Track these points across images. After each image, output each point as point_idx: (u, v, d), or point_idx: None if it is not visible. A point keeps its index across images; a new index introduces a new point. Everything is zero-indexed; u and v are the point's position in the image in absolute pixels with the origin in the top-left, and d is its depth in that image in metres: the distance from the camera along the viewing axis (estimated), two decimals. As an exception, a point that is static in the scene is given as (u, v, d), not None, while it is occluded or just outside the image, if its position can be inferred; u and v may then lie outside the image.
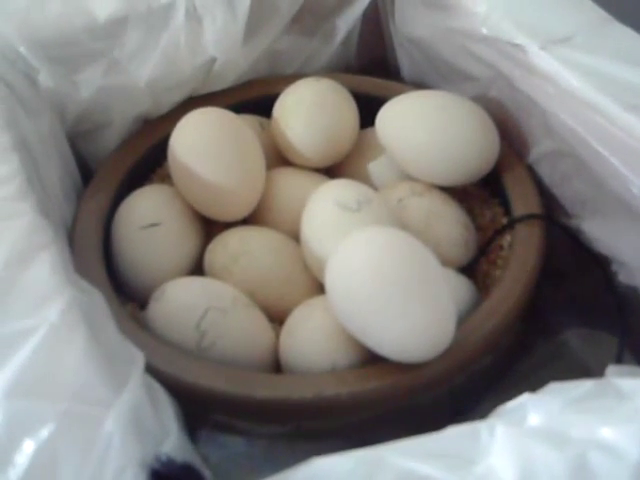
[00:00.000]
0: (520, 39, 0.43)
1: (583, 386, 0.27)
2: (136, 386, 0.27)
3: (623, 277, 0.40)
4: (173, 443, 0.26)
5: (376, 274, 0.34)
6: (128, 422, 0.25)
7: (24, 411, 0.25)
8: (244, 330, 0.38)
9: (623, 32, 0.42)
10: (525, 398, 0.27)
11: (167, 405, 0.29)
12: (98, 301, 0.31)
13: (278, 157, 0.48)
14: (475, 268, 0.44)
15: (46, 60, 0.43)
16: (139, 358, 0.29)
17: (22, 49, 0.42)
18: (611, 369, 0.30)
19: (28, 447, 0.24)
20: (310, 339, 0.37)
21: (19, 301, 0.29)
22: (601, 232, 0.41)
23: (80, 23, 0.44)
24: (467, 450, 0.25)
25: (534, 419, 0.26)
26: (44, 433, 0.25)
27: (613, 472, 0.23)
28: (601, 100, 0.39)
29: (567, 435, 0.24)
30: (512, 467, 0.24)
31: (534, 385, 0.28)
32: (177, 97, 0.49)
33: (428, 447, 0.25)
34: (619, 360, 0.39)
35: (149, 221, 0.42)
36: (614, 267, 0.41)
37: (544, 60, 0.42)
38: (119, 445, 0.25)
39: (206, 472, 0.27)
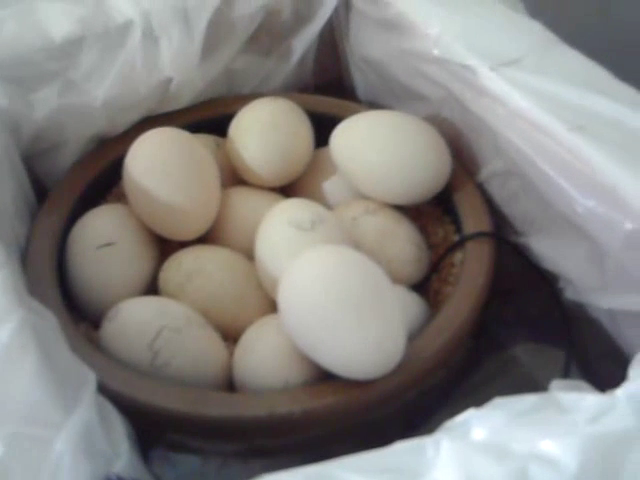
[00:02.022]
0: (471, 61, 0.44)
1: (526, 400, 0.28)
2: (87, 407, 0.27)
3: (569, 293, 0.41)
4: (124, 463, 0.26)
5: (328, 292, 0.35)
6: (79, 442, 0.26)
7: (-27, 433, 0.25)
8: (198, 349, 0.38)
9: (570, 54, 0.43)
10: (470, 413, 0.28)
11: (119, 425, 0.29)
12: (50, 322, 0.31)
13: (233, 176, 0.49)
14: (427, 285, 0.45)
15: (1, 80, 0.43)
16: (91, 379, 0.30)
17: (-24, 69, 0.42)
18: (555, 383, 0.31)
19: (-23, 469, 0.25)
20: (263, 357, 0.38)
21: (-31, 323, 0.29)
22: (548, 250, 0.42)
23: (36, 43, 0.44)
24: (413, 465, 0.25)
25: (478, 433, 0.26)
26: (-6, 455, 0.25)
27: (552, 484, 0.24)
28: (548, 121, 0.40)
29: (509, 448, 0.25)
30: (456, 480, 0.24)
31: (484, 399, 0.28)
32: (133, 117, 0.49)
33: (376, 462, 0.25)
34: (566, 374, 0.40)
35: (104, 241, 0.42)
36: (561, 284, 0.42)
37: (494, 81, 0.43)
38: (70, 465, 0.25)
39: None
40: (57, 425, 0.26)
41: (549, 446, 0.25)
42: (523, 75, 0.42)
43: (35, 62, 0.44)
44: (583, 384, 0.32)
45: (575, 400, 0.27)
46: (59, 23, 0.45)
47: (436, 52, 0.46)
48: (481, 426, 0.26)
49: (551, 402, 0.28)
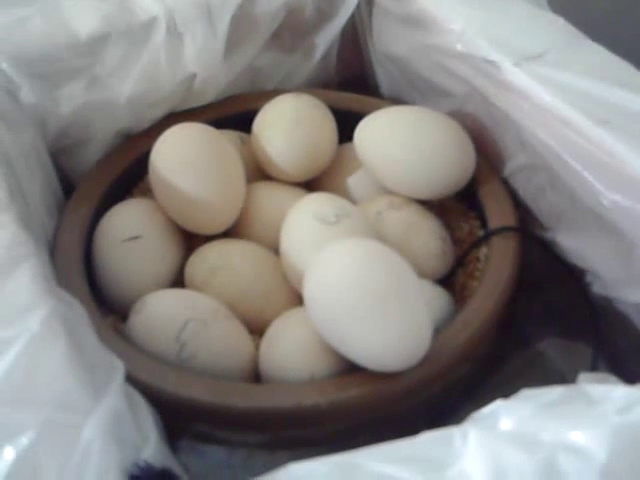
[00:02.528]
0: (494, 56, 0.44)
1: (554, 392, 0.28)
2: (116, 394, 0.28)
3: (596, 288, 0.41)
4: (152, 449, 0.26)
5: (354, 285, 0.35)
6: (108, 429, 0.26)
7: (5, 418, 0.26)
8: (224, 341, 0.38)
9: (594, 49, 0.43)
10: (497, 404, 0.27)
11: (147, 413, 0.29)
12: (78, 311, 0.32)
13: (258, 172, 0.49)
14: (452, 280, 0.45)
15: (28, 76, 0.43)
16: (119, 367, 0.30)
17: (4, 65, 0.43)
18: (583, 376, 0.31)
19: (9, 454, 0.25)
20: (289, 350, 0.38)
21: (0, 311, 0.29)
22: (575, 244, 0.42)
23: (62, 40, 0.44)
24: (440, 454, 0.25)
25: (506, 424, 0.26)
26: (25, 440, 0.25)
27: (581, 473, 0.24)
28: (573, 115, 0.40)
29: (537, 439, 0.25)
30: (484, 470, 0.24)
31: (509, 394, 0.28)
32: (158, 113, 0.49)
33: (402, 452, 0.26)
34: (594, 369, 0.40)
35: (130, 234, 0.43)
36: (588, 278, 0.42)
37: (518, 76, 0.43)
38: (99, 451, 0.25)
39: (185, 478, 0.27)
40: (87, 411, 0.26)
41: (578, 436, 0.25)
42: (547, 70, 0.42)
43: (61, 59, 0.45)
44: (611, 377, 0.32)
45: (603, 392, 0.27)
46: (85, 20, 0.45)
47: (459, 47, 0.46)
48: (509, 417, 0.26)
49: (579, 394, 0.27)
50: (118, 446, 0.25)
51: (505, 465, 0.24)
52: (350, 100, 0.53)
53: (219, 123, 0.48)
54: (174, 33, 0.47)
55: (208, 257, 0.42)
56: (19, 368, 0.27)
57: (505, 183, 0.46)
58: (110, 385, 0.28)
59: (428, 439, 0.26)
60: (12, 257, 0.32)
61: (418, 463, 0.25)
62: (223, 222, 0.44)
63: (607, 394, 0.27)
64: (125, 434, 0.26)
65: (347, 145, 0.49)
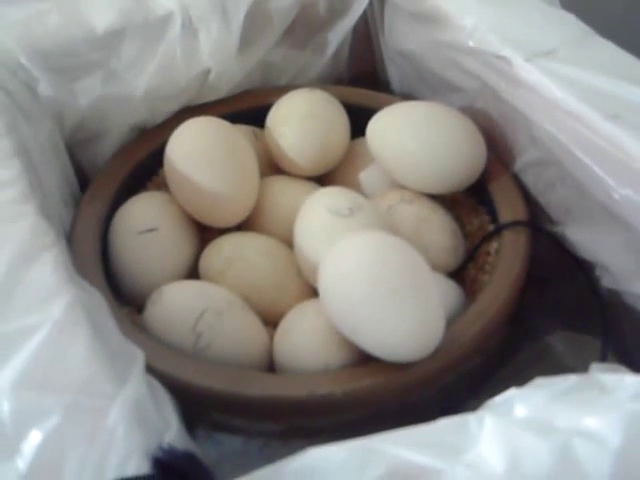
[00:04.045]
0: (506, 52, 0.44)
1: (568, 381, 0.28)
2: (138, 380, 0.28)
3: (606, 281, 0.42)
4: (174, 434, 0.27)
5: (368, 277, 0.35)
6: (131, 414, 0.26)
7: (31, 403, 0.26)
8: (239, 332, 0.39)
9: (604, 45, 0.44)
10: (512, 392, 0.28)
11: (167, 400, 0.30)
12: (99, 300, 0.32)
13: (271, 166, 0.49)
14: (463, 274, 0.45)
15: (46, 70, 0.44)
16: (139, 355, 0.30)
17: (22, 59, 0.43)
18: (595, 366, 0.31)
19: (35, 437, 0.25)
20: (303, 340, 0.38)
21: (24, 299, 0.30)
22: (584, 238, 0.42)
23: (79, 34, 0.45)
24: (457, 440, 0.25)
25: (521, 411, 0.27)
26: (50, 424, 0.25)
27: (596, 458, 0.24)
28: (584, 110, 0.40)
29: (552, 425, 0.25)
30: (500, 455, 0.24)
31: (520, 386, 0.29)
32: (173, 107, 0.50)
33: (420, 437, 0.26)
34: (603, 362, 0.40)
35: (146, 227, 0.43)
36: (597, 272, 0.42)
37: (529, 72, 0.43)
38: (123, 435, 0.26)
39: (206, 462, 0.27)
40: (110, 396, 0.27)
41: (592, 422, 0.25)
42: (558, 65, 0.42)
43: (78, 53, 0.45)
44: (622, 367, 0.32)
45: (616, 380, 0.27)
46: (101, 15, 0.46)
47: (471, 43, 0.46)
48: (523, 404, 0.27)
49: (592, 382, 0.28)
50: (141, 430, 0.26)
51: (521, 450, 0.25)
52: (362, 96, 0.53)
53: (233, 117, 0.49)
54: (189, 28, 0.47)
55: (223, 249, 0.43)
56: (43, 354, 0.28)
57: (515, 178, 0.47)
58: (132, 372, 0.28)
59: (445, 425, 0.26)
60: (34, 246, 0.32)
61: (435, 448, 0.25)
62: (237, 215, 0.45)
63: (619, 382, 0.27)
64: (148, 419, 0.27)
65: (359, 140, 0.50)
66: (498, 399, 0.28)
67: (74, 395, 0.26)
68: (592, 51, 0.44)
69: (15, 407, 0.26)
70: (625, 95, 0.40)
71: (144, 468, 0.25)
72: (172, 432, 0.27)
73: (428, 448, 0.25)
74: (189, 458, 0.26)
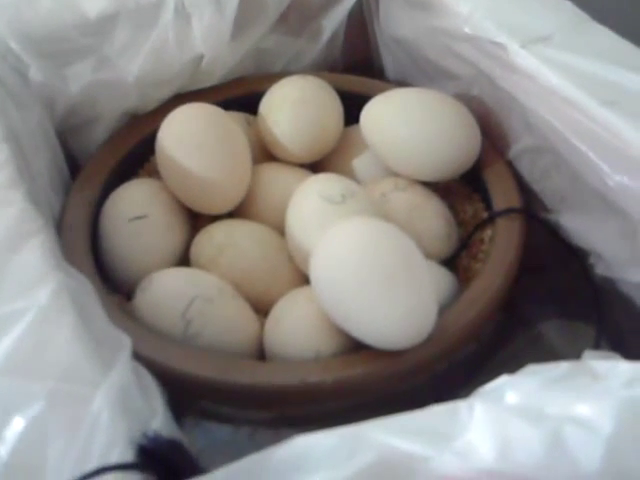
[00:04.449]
0: (501, 38, 0.44)
1: (559, 367, 0.28)
2: (123, 367, 0.28)
3: (600, 269, 0.41)
4: (160, 421, 0.27)
5: (360, 263, 0.35)
6: (116, 401, 0.26)
7: (14, 389, 0.26)
8: (229, 319, 0.39)
9: (600, 31, 0.43)
10: (503, 379, 0.28)
11: (153, 387, 0.29)
12: (86, 286, 0.32)
13: (264, 153, 0.49)
14: (457, 262, 0.45)
15: (36, 55, 0.44)
16: (126, 342, 0.30)
17: (13, 44, 0.43)
18: (587, 354, 0.31)
19: (18, 423, 0.25)
20: (294, 328, 0.38)
21: (10, 284, 0.29)
22: (579, 225, 0.42)
23: (70, 19, 0.45)
24: (447, 427, 0.25)
25: (512, 398, 0.26)
26: (34, 410, 0.25)
27: (587, 445, 0.24)
28: (579, 96, 0.40)
29: (543, 411, 0.25)
30: (490, 442, 0.24)
31: (512, 372, 0.29)
32: (165, 93, 0.50)
33: (409, 424, 0.26)
34: (596, 349, 0.40)
35: (136, 213, 0.43)
36: (591, 259, 0.42)
37: (524, 58, 0.43)
38: (107, 422, 0.25)
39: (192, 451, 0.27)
40: (95, 383, 0.26)
41: (584, 409, 0.25)
42: (554, 52, 0.42)
43: (69, 38, 0.45)
44: (615, 355, 0.32)
45: (609, 367, 0.27)
46: (93, 0, 0.46)
47: (467, 30, 0.46)
48: (515, 391, 0.27)
49: (584, 369, 0.28)
50: (126, 418, 0.26)
51: (511, 437, 0.24)
52: (356, 82, 0.53)
53: (226, 104, 0.48)
54: (182, 13, 0.47)
55: (214, 236, 0.42)
56: (28, 340, 0.27)
57: (510, 165, 0.46)
58: (118, 358, 0.28)
59: (434, 412, 0.26)
60: (21, 232, 0.32)
61: (425, 435, 0.25)
62: (229, 202, 0.44)
63: (612, 369, 0.27)
64: (133, 406, 0.27)
65: (353, 127, 0.49)
66: (489, 386, 0.28)
67: (58, 382, 0.26)
68: (588, 37, 0.43)
69: (-2, 393, 0.26)
70: (621, 82, 0.40)
71: (128, 456, 0.24)
72: (158, 419, 0.27)
73: (417, 435, 0.25)
74: (174, 446, 0.25)
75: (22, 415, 0.25)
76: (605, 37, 0.43)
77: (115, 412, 0.26)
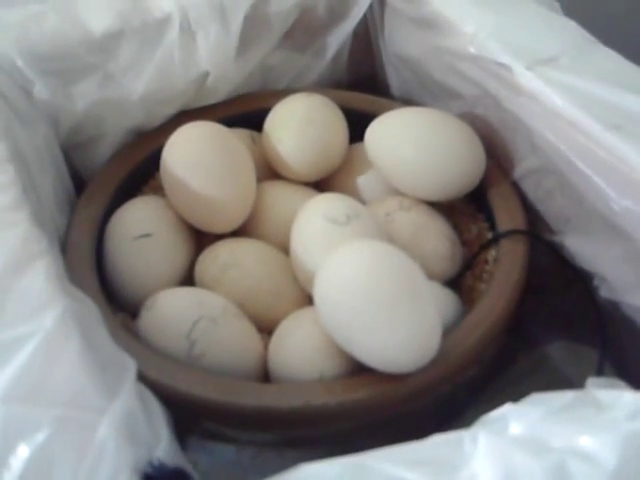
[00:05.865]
0: (506, 59, 0.44)
1: (563, 397, 0.28)
2: (129, 393, 0.28)
3: (604, 292, 0.41)
4: (165, 449, 0.27)
5: (364, 286, 0.35)
6: (121, 428, 0.26)
7: (20, 416, 0.26)
8: (234, 340, 0.39)
9: (606, 54, 0.44)
10: (507, 408, 0.28)
11: (158, 412, 0.29)
12: (91, 310, 0.32)
13: (269, 170, 0.49)
14: (461, 282, 0.45)
15: (42, 73, 0.44)
16: (131, 366, 0.30)
17: (18, 62, 0.43)
18: (591, 381, 0.31)
19: (23, 451, 0.25)
20: (298, 349, 0.38)
21: (15, 309, 0.29)
22: (583, 248, 0.42)
23: (76, 37, 0.45)
24: (451, 457, 0.25)
25: (515, 428, 0.26)
26: (39, 438, 0.25)
27: (591, 479, 0.24)
28: (584, 119, 0.40)
29: (547, 443, 0.25)
30: (494, 474, 0.24)
31: (516, 396, 0.29)
32: (170, 110, 0.50)
33: (413, 454, 0.26)
34: (600, 372, 0.40)
35: (141, 232, 0.43)
36: (595, 282, 0.42)
37: (530, 80, 0.43)
38: (113, 450, 0.25)
39: (196, 477, 0.27)
40: (100, 410, 0.26)
41: (588, 442, 0.25)
42: (559, 74, 0.42)
43: (75, 55, 0.45)
44: (619, 382, 0.32)
45: (613, 397, 0.27)
46: (99, 17, 0.46)
47: (472, 50, 0.46)
48: (518, 421, 0.27)
49: (589, 399, 0.28)
50: (131, 445, 0.26)
51: (515, 469, 0.24)
52: (361, 100, 0.53)
53: (230, 121, 0.49)
54: (187, 31, 0.47)
55: (219, 255, 0.43)
56: (33, 366, 0.27)
57: (515, 186, 0.46)
58: (123, 384, 0.28)
59: (438, 442, 0.26)
60: (26, 255, 0.32)
61: (428, 466, 0.25)
62: (233, 221, 0.44)
63: (616, 400, 0.27)
64: (138, 433, 0.27)
65: (358, 145, 0.50)
66: (493, 415, 0.28)
67: (63, 408, 0.26)
68: (594, 60, 0.43)
69: (3, 420, 0.26)
70: (627, 105, 0.40)
71: (133, 484, 0.24)
72: (163, 446, 0.27)
73: (421, 466, 0.25)
74: (179, 474, 0.26)
75: (28, 442, 0.25)
76: (611, 59, 0.43)
77: (120, 439, 0.26)
